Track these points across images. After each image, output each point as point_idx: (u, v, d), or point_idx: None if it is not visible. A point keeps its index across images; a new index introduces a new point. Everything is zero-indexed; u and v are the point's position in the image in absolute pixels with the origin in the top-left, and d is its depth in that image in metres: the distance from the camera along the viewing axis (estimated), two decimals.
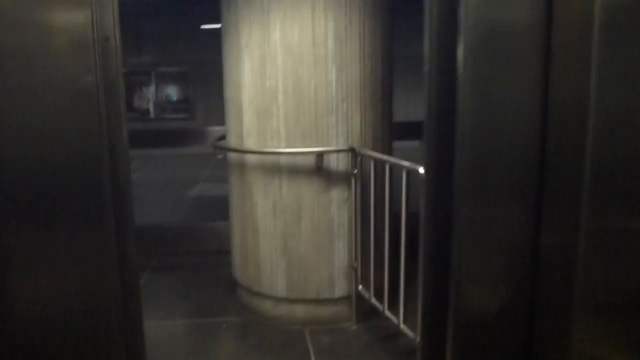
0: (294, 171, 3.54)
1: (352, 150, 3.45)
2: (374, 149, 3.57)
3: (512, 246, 1.81)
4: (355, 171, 3.45)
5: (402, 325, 3.16)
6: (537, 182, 1.76)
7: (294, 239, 3.61)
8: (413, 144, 4.65)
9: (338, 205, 3.58)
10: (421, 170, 2.57)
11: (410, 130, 5.11)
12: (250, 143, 3.64)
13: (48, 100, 1.51)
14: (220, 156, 4.10)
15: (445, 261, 1.83)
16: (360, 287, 3.60)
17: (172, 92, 14.44)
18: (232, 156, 3.87)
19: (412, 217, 2.94)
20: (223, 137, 4.13)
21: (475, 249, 1.79)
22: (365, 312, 3.67)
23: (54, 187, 1.57)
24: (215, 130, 5.06)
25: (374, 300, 3.47)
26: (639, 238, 1.65)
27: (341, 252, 3.64)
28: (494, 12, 1.64)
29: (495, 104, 1.70)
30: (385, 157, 3.37)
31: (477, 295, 1.83)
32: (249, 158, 3.68)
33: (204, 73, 13.22)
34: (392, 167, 3.21)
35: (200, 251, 5.29)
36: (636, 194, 1.62)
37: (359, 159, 3.44)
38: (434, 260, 1.93)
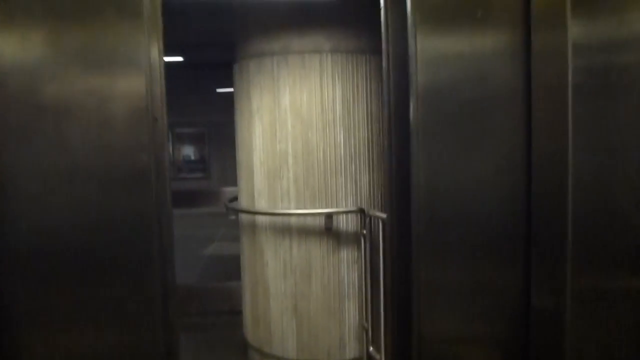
0: (304, 232, 3.59)
1: (361, 210, 3.51)
2: (383, 209, 3.62)
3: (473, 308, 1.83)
4: (365, 231, 3.50)
5: None
6: (486, 241, 1.80)
7: (305, 299, 3.62)
8: None
9: (348, 265, 3.61)
10: None
11: None
12: (261, 204, 3.71)
13: (106, 173, 1.60)
14: (233, 217, 4.17)
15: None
16: (371, 348, 3.57)
17: (189, 152, 14.75)
18: (244, 217, 3.94)
19: None
20: (236, 198, 4.21)
21: (436, 311, 1.81)
22: None
23: (106, 250, 1.63)
24: (229, 190, 5.16)
25: None
26: (625, 297, 1.67)
27: (352, 313, 3.64)
28: (439, 77, 1.72)
29: (447, 166, 1.77)
30: None
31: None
32: (260, 219, 3.74)
33: (220, 134, 13.51)
34: None
35: (213, 311, 5.29)
36: (617, 253, 1.65)
37: (368, 219, 3.49)
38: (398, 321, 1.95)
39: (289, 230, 3.61)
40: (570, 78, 1.58)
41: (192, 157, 14.76)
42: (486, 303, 1.83)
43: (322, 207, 3.52)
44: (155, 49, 1.61)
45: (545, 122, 1.72)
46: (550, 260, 1.70)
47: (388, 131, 1.83)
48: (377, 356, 3.50)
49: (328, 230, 3.52)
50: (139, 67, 1.58)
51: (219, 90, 11.83)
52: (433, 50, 1.71)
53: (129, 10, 1.56)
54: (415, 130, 1.72)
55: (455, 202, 1.77)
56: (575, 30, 1.58)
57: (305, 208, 3.54)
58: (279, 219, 3.64)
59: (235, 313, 4.91)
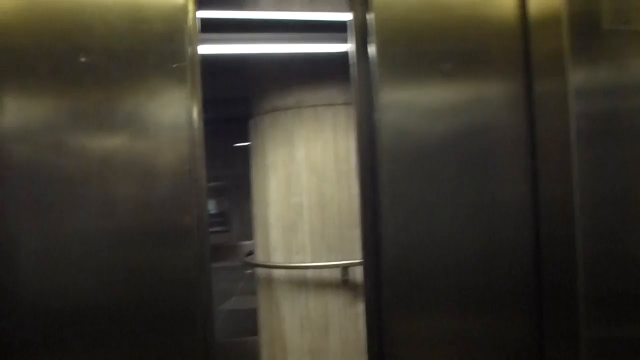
0: (320, 285, 3.54)
1: None
2: None
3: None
4: None
5: None
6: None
7: (322, 355, 3.54)
8: None
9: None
10: None
11: None
12: (276, 258, 3.69)
13: (151, 232, 1.63)
14: (249, 271, 4.16)
15: None
16: None
17: (210, 206, 14.86)
18: (260, 271, 3.92)
19: None
20: (252, 252, 4.20)
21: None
22: None
23: (151, 307, 1.63)
24: (248, 244, 5.16)
25: None
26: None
27: None
28: (403, 129, 1.72)
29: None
30: None
31: None
32: (276, 273, 3.72)
33: (239, 188, 13.63)
34: None
35: None
36: (629, 299, 1.60)
37: None
38: None
39: (305, 283, 3.57)
40: (572, 124, 1.58)
41: (212, 211, 14.86)
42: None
43: (338, 260, 3.49)
44: (196, 112, 1.66)
45: (549, 169, 1.71)
46: (563, 311, 1.66)
47: (360, 181, 1.83)
48: None
49: (345, 283, 3.47)
50: (182, 130, 1.63)
51: (237, 144, 12.03)
52: (397, 102, 1.72)
53: (175, 77, 1.62)
54: (381, 181, 1.72)
55: (426, 251, 1.74)
56: (576, 76, 1.59)
57: (321, 261, 3.51)
58: (294, 272, 3.60)
59: None
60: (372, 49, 1.74)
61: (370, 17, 1.73)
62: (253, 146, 3.94)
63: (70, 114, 1.56)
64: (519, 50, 1.78)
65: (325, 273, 3.52)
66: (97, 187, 1.58)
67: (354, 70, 1.84)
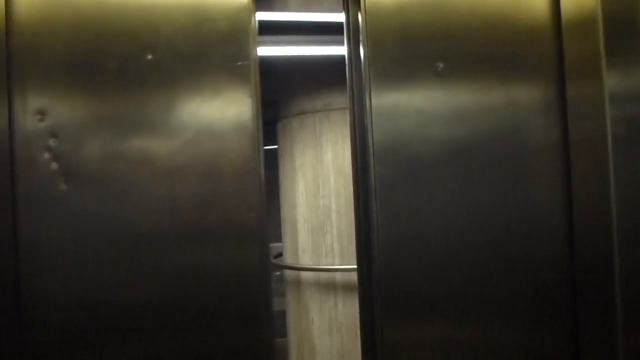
0: (349, 288, 3.53)
1: None
2: None
3: None
4: None
5: None
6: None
7: (352, 358, 3.53)
8: None
9: None
10: None
11: None
12: (305, 260, 3.69)
13: (217, 232, 1.63)
14: (277, 273, 4.17)
15: None
16: None
17: None
18: (288, 273, 3.92)
19: None
20: (281, 254, 4.21)
21: None
22: None
23: (216, 308, 1.64)
24: (276, 246, 5.17)
25: None
26: None
27: None
28: (394, 133, 1.69)
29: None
30: None
31: None
32: (305, 275, 3.72)
33: (269, 190, 13.66)
34: None
35: None
36: None
37: None
38: None
39: (333, 286, 3.56)
40: (609, 128, 1.54)
41: None
42: None
43: None
44: (256, 111, 1.67)
45: (583, 174, 1.67)
46: (600, 320, 1.62)
47: (354, 186, 1.81)
48: None
49: None
50: (245, 129, 1.63)
51: (265, 147, 12.10)
52: (388, 105, 1.69)
53: (239, 75, 1.63)
54: (373, 185, 1.69)
55: (420, 254, 1.71)
56: (612, 79, 1.55)
57: (349, 264, 3.50)
58: (323, 275, 3.60)
59: None
60: (363, 50, 1.71)
61: (361, 17, 1.71)
62: (281, 149, 3.95)
63: (137, 112, 1.58)
64: (549, 52, 1.75)
65: (354, 276, 3.50)
66: (163, 186, 1.59)
67: (349, 73, 1.82)
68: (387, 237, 1.69)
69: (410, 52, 1.71)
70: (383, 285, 1.70)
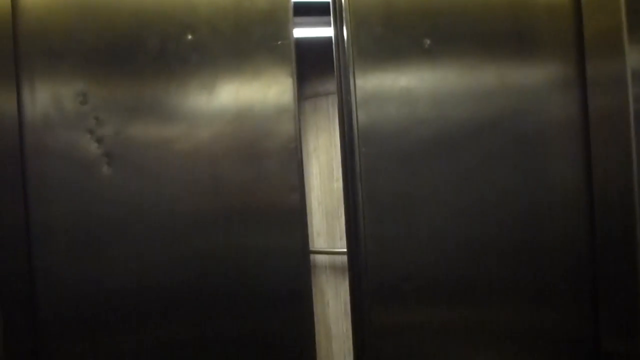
0: None
1: None
2: None
3: None
4: None
5: None
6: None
7: None
8: None
9: None
10: None
11: None
12: (320, 243, 3.69)
13: (260, 213, 1.62)
14: None
15: None
16: None
17: None
18: None
19: None
20: None
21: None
22: None
23: (258, 290, 1.64)
24: None
25: None
26: None
27: None
28: (379, 115, 1.66)
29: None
30: None
31: None
32: (319, 258, 3.71)
33: None
34: None
35: None
36: None
37: None
38: None
39: None
40: (631, 106, 1.50)
41: None
42: None
43: None
44: (296, 91, 1.66)
45: (604, 154, 1.63)
46: (621, 303, 1.59)
47: (343, 169, 1.77)
48: None
49: None
50: (286, 108, 1.62)
51: None
52: (372, 86, 1.65)
53: (279, 55, 1.61)
54: (359, 167, 1.66)
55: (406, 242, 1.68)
56: (634, 56, 1.51)
57: None
58: (338, 259, 3.59)
59: None
60: (346, 30, 1.67)
61: None
62: None
63: (178, 92, 1.56)
64: (568, 27, 1.70)
65: None
66: (206, 166, 1.58)
67: (336, 54, 1.77)
68: (373, 220, 1.66)
69: (395, 30, 1.67)
70: (369, 269, 1.67)
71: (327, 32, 3.35)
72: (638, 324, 1.53)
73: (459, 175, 1.68)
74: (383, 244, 1.67)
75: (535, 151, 1.70)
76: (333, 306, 3.65)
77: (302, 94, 3.78)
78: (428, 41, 1.66)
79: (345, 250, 3.46)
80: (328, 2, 1.76)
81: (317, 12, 3.19)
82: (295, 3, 1.69)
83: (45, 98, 1.49)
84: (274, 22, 1.60)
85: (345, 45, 1.68)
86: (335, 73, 1.78)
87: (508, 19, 1.69)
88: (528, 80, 1.70)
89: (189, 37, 1.56)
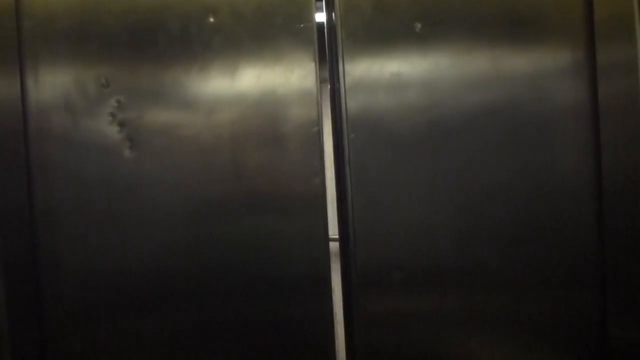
0: None
1: None
2: None
3: None
4: None
5: None
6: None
7: None
8: None
9: None
10: None
11: None
12: (330, 230, 3.68)
13: (282, 198, 1.61)
14: None
15: None
16: None
17: None
18: None
19: None
20: None
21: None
22: None
23: (278, 274, 1.63)
24: None
25: None
26: None
27: None
28: (369, 102, 1.64)
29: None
30: None
31: None
32: (330, 245, 3.71)
33: None
34: None
35: None
36: None
37: None
38: None
39: None
40: None
41: None
42: None
43: None
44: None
45: (613, 141, 1.61)
46: (629, 288, 1.61)
47: (334, 155, 1.76)
48: None
49: None
50: (309, 92, 1.61)
51: None
52: (361, 72, 1.62)
53: (302, 38, 1.59)
54: (347, 153, 1.63)
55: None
56: None
57: None
58: None
59: None
60: (334, 13, 1.63)
61: None
62: None
63: (200, 76, 1.55)
64: (576, 9, 1.64)
65: None
66: (227, 150, 1.57)
67: (328, 39, 1.72)
68: (361, 206, 1.64)
69: (386, 12, 1.62)
70: (357, 254, 1.66)
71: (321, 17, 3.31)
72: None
73: (453, 162, 1.63)
74: (373, 230, 1.64)
75: (540, 138, 1.64)
76: (338, 292, 3.65)
77: None
78: (419, 25, 1.62)
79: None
80: None
81: None
82: None
83: (67, 82, 1.48)
84: (296, 4, 1.58)
85: (335, 28, 1.64)
86: (327, 57, 1.75)
87: (511, 1, 1.63)
88: (533, 66, 1.64)
89: (211, 19, 1.54)
